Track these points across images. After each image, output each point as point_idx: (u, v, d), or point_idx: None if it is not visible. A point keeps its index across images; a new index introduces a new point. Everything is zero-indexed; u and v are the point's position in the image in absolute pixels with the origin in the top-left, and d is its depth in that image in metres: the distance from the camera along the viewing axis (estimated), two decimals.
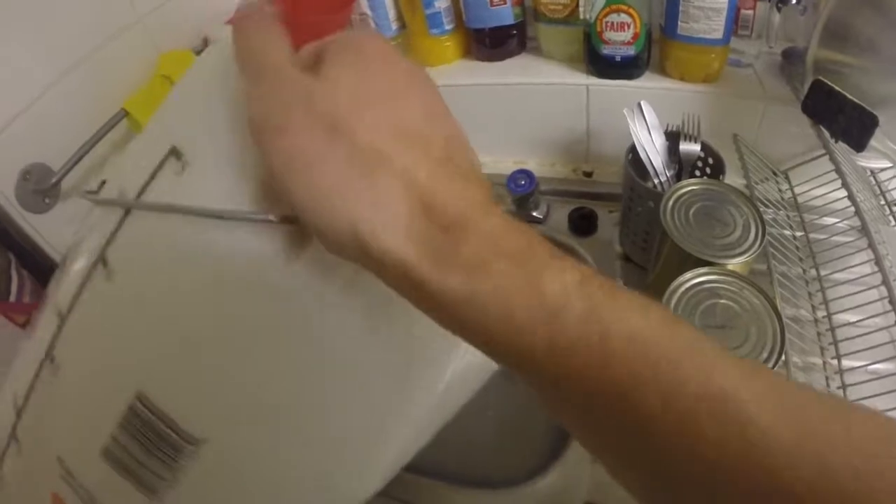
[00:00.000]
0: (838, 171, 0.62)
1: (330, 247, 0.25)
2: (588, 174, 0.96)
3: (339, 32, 0.31)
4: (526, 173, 0.88)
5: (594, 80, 0.86)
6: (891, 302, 0.53)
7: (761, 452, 0.20)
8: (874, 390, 0.54)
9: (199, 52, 0.81)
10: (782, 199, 0.76)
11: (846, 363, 0.59)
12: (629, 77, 0.84)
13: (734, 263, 0.57)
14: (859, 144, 0.60)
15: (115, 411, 0.34)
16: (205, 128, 0.32)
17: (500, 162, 1.00)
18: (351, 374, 0.35)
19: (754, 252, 0.58)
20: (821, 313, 0.65)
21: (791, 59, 0.77)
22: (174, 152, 0.32)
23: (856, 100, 0.59)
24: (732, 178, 0.72)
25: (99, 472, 0.36)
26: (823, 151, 0.65)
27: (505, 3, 0.87)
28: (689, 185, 0.64)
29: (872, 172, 0.74)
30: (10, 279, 0.68)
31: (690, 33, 0.76)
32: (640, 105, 0.74)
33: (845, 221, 0.69)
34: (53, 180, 0.67)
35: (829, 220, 0.72)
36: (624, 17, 0.78)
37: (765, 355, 0.51)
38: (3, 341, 0.66)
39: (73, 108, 0.71)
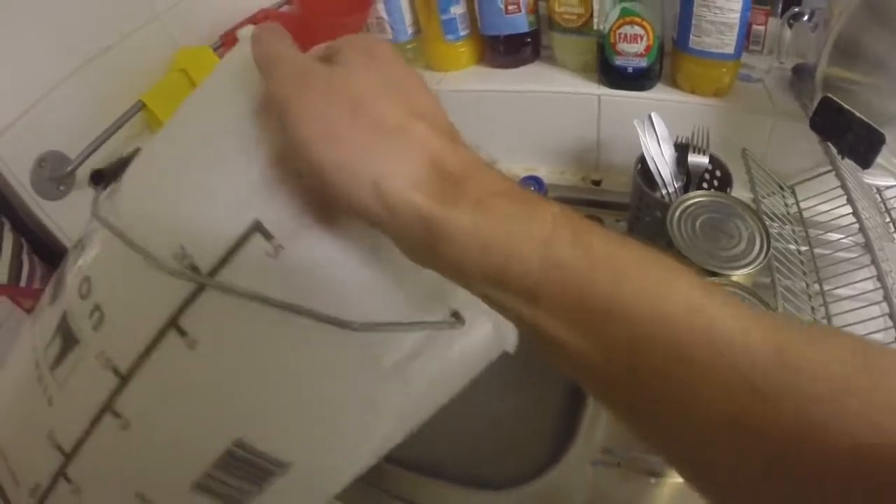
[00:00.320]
0: (844, 187, 0.62)
1: (351, 204, 0.28)
2: (597, 183, 0.97)
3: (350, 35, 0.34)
4: (535, 180, 0.89)
5: (606, 91, 0.87)
6: (892, 317, 0.53)
7: (725, 348, 0.23)
8: None
9: (216, 49, 0.83)
10: (788, 213, 0.76)
11: None
12: (641, 88, 0.85)
13: (738, 275, 0.58)
14: (866, 161, 0.61)
15: (211, 455, 0.37)
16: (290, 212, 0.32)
17: (510, 168, 1.01)
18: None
19: (759, 264, 0.59)
20: None
21: (801, 75, 0.78)
22: (260, 229, 0.32)
23: (864, 118, 0.60)
24: (739, 191, 0.72)
25: (188, 501, 0.39)
26: (830, 168, 0.65)
27: (520, 11, 0.88)
28: (697, 197, 0.65)
29: (878, 190, 0.74)
30: (21, 264, 0.68)
31: (702, 47, 0.77)
32: (650, 116, 0.75)
33: (849, 238, 0.69)
34: (69, 168, 0.68)
35: (833, 236, 0.73)
36: (637, 30, 0.79)
37: None
38: (10, 328, 0.67)
39: (91, 99, 0.72)
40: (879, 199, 0.74)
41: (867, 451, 0.21)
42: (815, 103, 0.66)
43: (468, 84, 0.95)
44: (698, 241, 0.61)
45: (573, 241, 0.26)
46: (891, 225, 0.71)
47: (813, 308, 0.67)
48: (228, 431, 0.37)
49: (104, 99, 0.73)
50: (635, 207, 0.77)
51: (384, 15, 0.96)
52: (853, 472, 0.21)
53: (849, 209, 0.62)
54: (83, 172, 0.70)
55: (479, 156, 0.29)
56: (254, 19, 0.85)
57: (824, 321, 0.65)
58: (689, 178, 0.75)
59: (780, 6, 0.77)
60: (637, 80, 0.84)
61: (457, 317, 0.37)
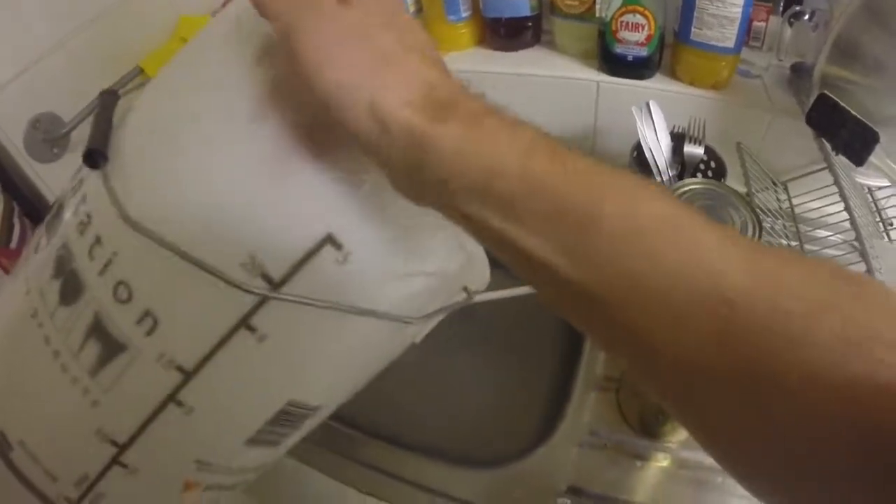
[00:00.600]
0: (837, 183, 0.63)
1: (347, 123, 0.30)
2: None
3: None
4: None
5: (605, 78, 0.87)
6: None
7: (703, 259, 0.24)
8: None
9: None
10: (780, 208, 0.77)
11: None
12: (640, 77, 0.85)
13: None
14: (860, 158, 0.61)
15: (267, 416, 0.40)
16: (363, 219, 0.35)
17: None
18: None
19: None
20: None
21: (800, 73, 0.79)
22: (332, 241, 0.34)
23: (858, 115, 0.61)
24: (733, 183, 0.73)
25: (241, 454, 0.43)
26: (824, 165, 0.66)
27: None
28: (691, 185, 0.66)
29: (869, 190, 0.75)
30: (12, 227, 0.68)
31: (703, 39, 0.78)
32: (648, 105, 0.75)
33: (839, 235, 0.70)
34: (64, 131, 0.67)
35: (823, 233, 0.74)
36: (639, 18, 0.79)
37: None
38: None
39: (90, 63, 0.71)
40: (870, 199, 0.75)
41: (846, 372, 0.21)
42: (812, 100, 0.67)
43: (468, 65, 0.95)
44: None
45: (551, 157, 0.27)
46: (881, 224, 0.72)
47: None
48: (285, 396, 0.40)
49: (102, 63, 0.72)
50: None
51: None
52: (834, 393, 0.21)
53: (840, 206, 0.62)
54: (77, 135, 0.69)
55: (468, 86, 0.32)
56: None
57: None
58: (684, 167, 0.76)
59: (782, 4, 0.77)
60: (637, 68, 0.84)
61: (467, 291, 0.43)
